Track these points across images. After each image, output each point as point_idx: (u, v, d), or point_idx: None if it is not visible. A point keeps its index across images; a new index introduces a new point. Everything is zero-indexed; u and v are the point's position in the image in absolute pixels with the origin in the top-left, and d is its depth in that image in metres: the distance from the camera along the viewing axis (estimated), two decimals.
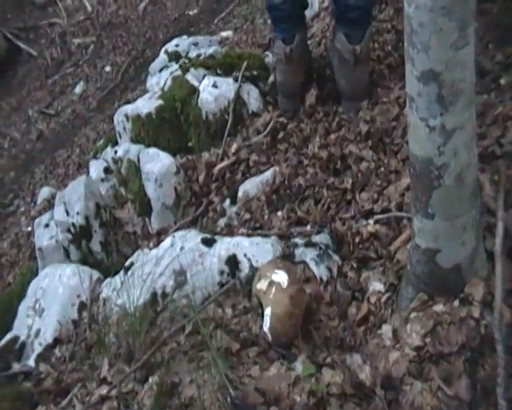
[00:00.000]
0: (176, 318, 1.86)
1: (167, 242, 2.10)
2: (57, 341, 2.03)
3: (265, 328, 1.70)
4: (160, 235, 2.54)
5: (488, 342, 1.47)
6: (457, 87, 1.37)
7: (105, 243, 2.66)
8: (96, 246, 2.63)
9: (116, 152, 2.90)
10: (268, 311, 1.71)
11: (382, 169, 2.09)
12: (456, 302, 1.55)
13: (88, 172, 2.99)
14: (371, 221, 1.91)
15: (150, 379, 1.69)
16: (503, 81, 2.14)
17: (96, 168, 2.96)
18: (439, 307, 1.56)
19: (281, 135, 2.55)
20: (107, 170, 2.94)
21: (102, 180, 2.89)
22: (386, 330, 1.58)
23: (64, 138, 4.86)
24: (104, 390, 1.72)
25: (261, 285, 1.75)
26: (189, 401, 1.60)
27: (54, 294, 2.15)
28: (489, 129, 1.97)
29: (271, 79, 2.86)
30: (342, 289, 1.79)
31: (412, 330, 1.54)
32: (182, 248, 2.02)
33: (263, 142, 2.59)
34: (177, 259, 1.99)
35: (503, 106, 2.03)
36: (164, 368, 1.70)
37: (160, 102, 2.94)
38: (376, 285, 1.74)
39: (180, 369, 1.69)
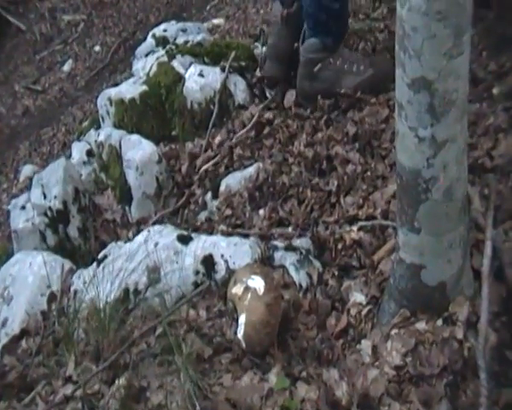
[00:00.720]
0: (147, 317, 1.74)
1: (142, 236, 1.97)
2: (24, 332, 1.89)
3: (239, 335, 1.59)
4: (140, 224, 2.41)
5: (471, 365, 1.37)
6: (450, 97, 1.26)
7: (83, 230, 2.51)
8: (73, 232, 2.49)
9: (98, 136, 2.76)
10: (242, 318, 1.59)
11: (369, 173, 1.97)
12: (440, 321, 1.45)
13: (70, 154, 2.85)
14: (355, 228, 1.80)
15: (117, 381, 1.57)
16: (495, 91, 2.03)
17: (78, 151, 2.82)
18: (421, 326, 1.46)
19: (266, 130, 2.43)
20: (89, 153, 2.80)
21: (85, 163, 2.74)
22: (366, 345, 1.48)
23: (50, 116, 4.69)
24: (69, 390, 1.59)
25: (236, 290, 1.63)
26: (157, 408, 1.49)
27: (23, 282, 2.01)
28: (480, 140, 1.87)
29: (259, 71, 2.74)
30: (322, 298, 1.67)
31: (393, 348, 1.44)
32: (156, 244, 1.89)
33: (248, 136, 2.46)
34: (152, 255, 1.86)
35: (494, 116, 1.93)
36: (132, 371, 1.58)
37: (145, 87, 2.80)
38: (357, 296, 1.63)
39: (149, 373, 1.58)
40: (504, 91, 2.01)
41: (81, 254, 2.41)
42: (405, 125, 1.33)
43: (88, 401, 1.55)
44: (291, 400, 1.41)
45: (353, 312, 1.60)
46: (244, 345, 1.58)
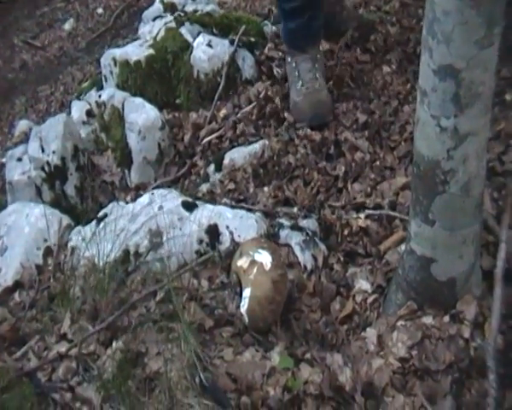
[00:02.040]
0: (148, 281, 1.64)
1: (145, 198, 1.86)
2: (18, 284, 1.77)
3: (243, 309, 1.50)
4: (139, 189, 2.29)
5: (477, 365, 1.31)
6: (476, 89, 1.19)
7: (80, 188, 2.38)
8: (70, 190, 2.35)
9: (100, 96, 2.62)
10: (247, 292, 1.51)
11: (377, 163, 1.90)
12: (447, 318, 1.39)
13: (69, 112, 2.71)
14: (362, 215, 1.72)
15: (114, 344, 1.47)
16: (508, 97, 1.97)
17: (78, 109, 2.66)
18: (428, 320, 1.39)
19: (273, 108, 2.32)
20: (89, 113, 2.64)
21: (84, 123, 2.59)
22: (371, 334, 1.41)
23: (48, 74, 4.47)
24: (63, 348, 1.49)
25: (242, 263, 1.55)
26: (155, 374, 1.39)
27: (19, 233, 1.89)
28: (491, 144, 1.79)
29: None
30: (327, 282, 1.60)
31: (398, 340, 1.37)
32: (160, 208, 1.79)
33: (253, 112, 2.35)
34: (155, 218, 1.75)
35: (506, 122, 1.87)
36: (130, 334, 1.48)
37: (151, 51, 2.65)
38: (363, 284, 1.55)
39: (148, 338, 1.48)
40: None
41: (77, 213, 2.28)
42: (427, 113, 1.25)
43: (83, 361, 1.45)
44: (294, 380, 1.33)
45: (358, 299, 1.53)
46: (247, 320, 1.49)
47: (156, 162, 2.39)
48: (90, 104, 2.68)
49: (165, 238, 1.70)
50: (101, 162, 2.51)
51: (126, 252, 1.72)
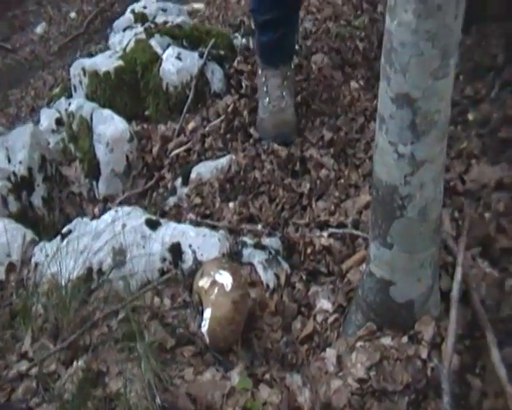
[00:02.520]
0: (110, 300, 1.63)
1: (109, 215, 1.85)
2: None
3: (204, 329, 1.50)
4: (107, 201, 2.28)
5: (433, 385, 1.33)
6: (432, 118, 1.20)
7: (48, 200, 2.35)
8: (37, 201, 2.32)
9: (70, 104, 2.60)
10: (208, 312, 1.50)
11: (342, 181, 1.91)
12: (405, 339, 1.40)
13: (38, 120, 2.68)
14: (325, 234, 1.73)
15: (75, 363, 1.46)
16: (470, 116, 1.99)
17: (47, 117, 2.64)
18: (386, 341, 1.40)
19: (240, 122, 2.33)
20: (59, 121, 2.63)
21: (53, 131, 2.58)
22: (331, 354, 1.42)
23: (19, 77, 4.43)
24: (24, 367, 1.48)
25: (203, 283, 1.54)
26: (115, 395, 1.39)
27: None
28: (453, 163, 1.83)
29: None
30: (288, 301, 1.60)
31: (357, 360, 1.38)
32: (124, 226, 1.78)
33: (221, 126, 2.35)
34: (118, 237, 1.74)
35: (468, 141, 1.89)
36: (91, 353, 1.47)
37: (121, 62, 2.64)
38: (324, 303, 1.56)
39: (109, 357, 1.47)
40: (479, 118, 1.98)
41: (44, 225, 2.25)
42: (385, 140, 1.26)
43: (43, 381, 1.44)
44: (253, 401, 1.33)
45: (319, 318, 1.54)
46: (208, 340, 1.49)
47: (124, 174, 2.38)
48: (59, 112, 2.66)
49: (128, 257, 1.69)
50: (69, 173, 2.49)
51: (89, 270, 1.70)
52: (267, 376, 1.40)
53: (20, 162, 2.33)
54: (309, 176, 1.95)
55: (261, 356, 1.49)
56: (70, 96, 2.82)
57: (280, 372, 1.42)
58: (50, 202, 2.38)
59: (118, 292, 1.63)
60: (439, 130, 1.24)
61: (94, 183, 2.42)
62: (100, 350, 1.49)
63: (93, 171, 2.42)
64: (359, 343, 1.41)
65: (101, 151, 2.39)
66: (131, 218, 1.79)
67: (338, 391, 1.34)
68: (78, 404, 1.37)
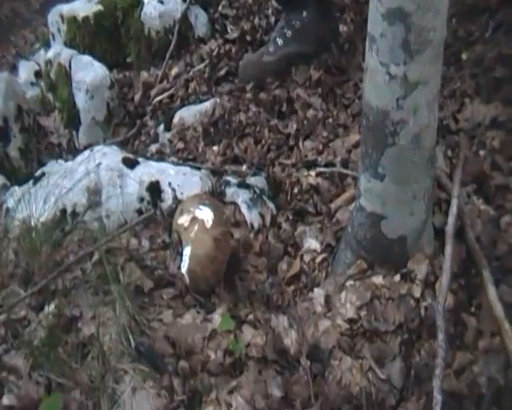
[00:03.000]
0: (84, 242, 1.51)
1: (83, 155, 1.71)
2: None
3: (183, 269, 1.39)
4: None
5: (427, 325, 1.23)
6: (427, 35, 1.10)
7: (25, 151, 2.21)
8: (13, 152, 2.18)
9: (48, 53, 2.46)
10: (187, 250, 1.39)
11: (330, 121, 1.79)
12: (397, 277, 1.30)
13: (17, 74, 2.54)
14: (313, 173, 1.62)
15: (47, 308, 1.35)
16: (464, 56, 1.88)
17: (25, 70, 2.54)
18: (378, 279, 1.30)
19: (225, 66, 2.20)
20: (37, 74, 2.51)
21: (32, 84, 2.47)
22: (319, 294, 1.32)
23: (0, 36, 4.25)
24: None
25: (183, 220, 1.43)
26: (88, 339, 1.28)
27: None
28: (446, 102, 1.73)
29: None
30: (274, 241, 1.49)
31: (347, 300, 1.28)
32: (99, 164, 1.64)
33: (205, 71, 2.23)
34: (93, 175, 1.61)
35: (461, 81, 1.80)
36: (64, 298, 1.36)
37: (100, 7, 2.51)
38: (312, 243, 1.45)
39: (82, 301, 1.36)
40: (472, 58, 1.87)
41: (21, 175, 2.11)
42: (376, 60, 1.16)
43: (12, 328, 1.32)
44: (236, 343, 1.23)
45: (307, 258, 1.43)
46: (188, 280, 1.38)
47: (105, 123, 2.26)
48: (38, 65, 2.54)
49: (103, 197, 1.57)
50: (47, 123, 2.38)
51: (63, 211, 1.58)
52: (251, 317, 1.30)
53: None
54: (296, 116, 1.84)
55: (245, 298, 1.39)
56: (49, 46, 2.68)
57: (265, 314, 1.32)
58: (28, 153, 2.25)
59: (93, 234, 1.51)
60: (434, 49, 1.14)
61: (74, 132, 2.30)
62: (73, 294, 1.37)
63: (73, 120, 2.30)
64: (349, 282, 1.31)
65: (80, 99, 2.27)
66: (107, 156, 1.66)
67: (326, 332, 1.24)
68: (48, 350, 1.26)
